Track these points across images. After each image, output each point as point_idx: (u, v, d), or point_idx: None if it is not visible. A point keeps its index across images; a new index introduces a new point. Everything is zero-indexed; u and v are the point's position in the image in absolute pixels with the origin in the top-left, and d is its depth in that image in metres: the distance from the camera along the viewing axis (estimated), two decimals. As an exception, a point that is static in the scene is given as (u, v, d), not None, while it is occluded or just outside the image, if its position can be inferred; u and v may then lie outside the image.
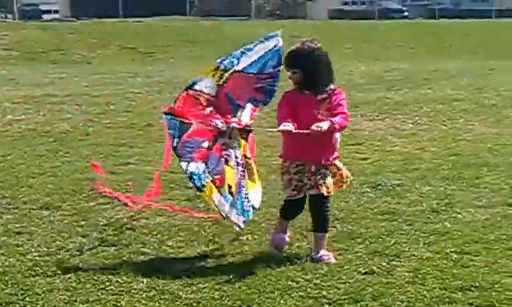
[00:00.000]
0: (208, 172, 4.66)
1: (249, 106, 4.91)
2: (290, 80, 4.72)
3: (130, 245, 4.91)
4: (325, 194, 4.62)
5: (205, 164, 4.67)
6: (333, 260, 4.57)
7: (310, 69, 4.60)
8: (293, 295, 4.10)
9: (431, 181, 6.49)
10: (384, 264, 4.51)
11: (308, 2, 47.32)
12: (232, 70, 4.84)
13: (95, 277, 4.33)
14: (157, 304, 4.02)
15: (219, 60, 4.89)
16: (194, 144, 4.69)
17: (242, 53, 4.92)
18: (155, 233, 5.15)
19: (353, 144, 8.08)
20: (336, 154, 4.74)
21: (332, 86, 4.68)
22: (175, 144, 4.68)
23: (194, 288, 4.19)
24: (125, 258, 4.68)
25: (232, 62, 4.87)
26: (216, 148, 4.75)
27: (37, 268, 4.48)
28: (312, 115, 4.56)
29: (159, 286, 4.21)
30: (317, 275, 4.33)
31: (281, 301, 4.03)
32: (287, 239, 4.84)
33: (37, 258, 4.66)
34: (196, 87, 4.79)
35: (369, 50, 22.05)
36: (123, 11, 36.40)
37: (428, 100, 11.02)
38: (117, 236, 5.08)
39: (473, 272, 4.36)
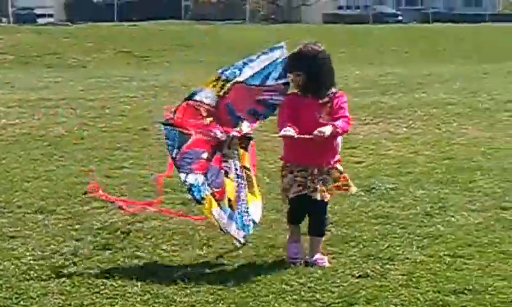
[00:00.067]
0: (208, 184, 4.59)
1: (249, 118, 4.84)
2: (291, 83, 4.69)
3: (125, 249, 4.92)
4: (324, 199, 4.62)
5: (205, 176, 4.59)
6: (327, 264, 4.59)
7: (314, 72, 4.58)
8: (287, 298, 4.11)
9: (424, 184, 6.51)
10: (378, 267, 4.52)
11: (302, 6, 47.41)
12: (233, 81, 4.78)
13: (90, 281, 4.34)
14: (151, 307, 4.03)
15: (220, 70, 4.84)
16: (194, 155, 4.62)
17: (245, 64, 4.86)
18: (149, 236, 5.16)
19: (348, 148, 8.08)
20: (337, 157, 4.73)
21: (333, 89, 4.66)
22: (174, 155, 4.61)
23: (189, 291, 4.20)
24: (119, 262, 4.68)
25: (234, 73, 4.81)
26: (215, 160, 4.68)
27: (31, 272, 4.48)
28: (314, 118, 4.54)
29: (154, 290, 4.21)
30: (311, 279, 4.34)
31: (276, 304, 4.04)
32: (299, 255, 4.66)
33: (31, 261, 4.67)
34: (196, 97, 4.74)
35: (364, 54, 22.11)
36: (118, 15, 36.44)
37: (422, 104, 11.05)
38: (111, 240, 5.09)
39: (466, 276, 4.38)
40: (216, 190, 4.60)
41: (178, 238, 5.11)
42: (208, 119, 4.71)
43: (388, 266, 4.55)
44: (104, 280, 4.35)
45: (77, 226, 5.40)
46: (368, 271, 4.46)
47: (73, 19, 36.46)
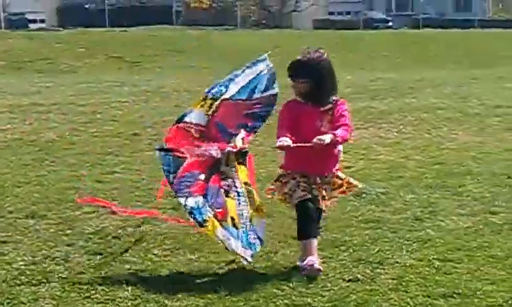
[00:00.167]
0: (209, 206, 4.53)
1: (242, 132, 4.84)
2: (291, 90, 4.64)
3: (116, 253, 4.92)
4: (324, 208, 4.61)
5: (204, 198, 4.54)
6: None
7: (319, 79, 4.53)
8: (278, 302, 4.13)
9: (414, 189, 6.55)
10: (368, 271, 4.55)
11: (293, 12, 47.52)
12: (221, 99, 4.79)
13: (80, 286, 4.35)
14: (142, 312, 4.04)
15: (206, 90, 4.85)
16: (191, 178, 4.58)
17: (230, 80, 4.87)
18: (140, 241, 5.16)
19: (338, 153, 8.13)
20: (338, 166, 4.70)
21: (334, 97, 4.61)
22: (171, 180, 4.59)
23: (180, 296, 4.21)
24: (110, 267, 4.68)
25: (221, 90, 4.81)
26: (213, 180, 4.63)
27: (22, 277, 4.48)
28: (315, 127, 4.50)
29: (144, 295, 4.22)
30: (301, 283, 4.36)
31: (266, 309, 4.06)
32: (318, 266, 4.44)
33: (22, 266, 4.67)
34: (186, 119, 4.75)
35: (355, 59, 22.19)
36: (110, 20, 36.40)
37: (412, 109, 11.11)
38: (103, 245, 5.09)
39: (455, 279, 4.41)
40: (217, 210, 4.54)
41: (169, 243, 5.11)
42: (201, 139, 4.69)
43: (378, 270, 4.58)
44: (95, 285, 4.35)
45: (68, 231, 5.40)
46: (359, 275, 4.48)
47: (64, 24, 36.39)
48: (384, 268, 4.61)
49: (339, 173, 4.72)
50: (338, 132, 4.50)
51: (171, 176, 4.59)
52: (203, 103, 4.79)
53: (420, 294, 4.21)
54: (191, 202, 4.50)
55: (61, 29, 32.18)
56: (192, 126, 4.72)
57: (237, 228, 4.56)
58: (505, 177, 6.92)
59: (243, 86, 4.86)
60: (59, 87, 13.78)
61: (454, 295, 4.18)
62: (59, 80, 15.10)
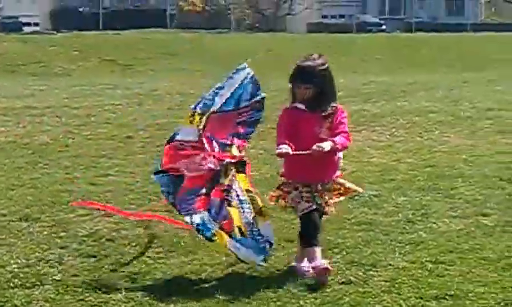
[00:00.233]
0: (214, 219, 4.54)
1: (235, 141, 4.85)
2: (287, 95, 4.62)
3: (110, 256, 4.93)
4: (329, 213, 4.62)
5: (208, 212, 4.55)
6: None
7: (322, 85, 4.52)
8: (271, 305, 4.14)
9: (407, 192, 6.58)
10: (361, 274, 4.57)
11: (287, 16, 47.62)
12: (208, 112, 4.80)
13: (74, 289, 4.35)
14: (136, 314, 4.06)
15: (192, 106, 4.86)
16: (193, 194, 4.58)
17: (215, 93, 4.89)
18: (134, 244, 5.17)
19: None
20: (338, 173, 4.69)
21: (334, 104, 4.59)
22: (171, 200, 4.61)
23: (174, 298, 4.22)
24: (104, 269, 4.70)
25: (207, 104, 4.83)
26: (215, 192, 4.63)
27: (16, 280, 4.49)
28: (314, 133, 4.48)
29: (138, 297, 4.23)
30: (294, 285, 4.37)
31: (259, 311, 4.08)
32: (326, 265, 4.42)
33: (16, 269, 4.67)
34: (178, 138, 4.75)
35: (348, 63, 22.21)
36: (103, 24, 36.38)
37: (404, 112, 11.14)
38: (96, 248, 5.10)
39: (447, 281, 4.44)
40: (223, 222, 4.55)
41: (162, 246, 5.13)
42: (196, 153, 4.69)
43: (371, 272, 4.60)
44: (89, 287, 4.37)
45: (62, 234, 5.41)
46: (352, 277, 4.50)
47: (58, 28, 36.33)
48: (377, 271, 4.63)
49: (340, 180, 4.71)
50: (338, 139, 4.48)
51: (171, 196, 4.61)
52: (191, 119, 4.80)
53: (412, 296, 4.24)
54: (196, 219, 4.52)
55: (55, 32, 32.12)
56: (184, 143, 4.73)
57: (245, 236, 4.56)
58: (497, 179, 6.96)
59: (228, 98, 4.87)
60: (53, 90, 13.77)
61: (446, 297, 4.21)
62: (52, 83, 15.08)
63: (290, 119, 4.56)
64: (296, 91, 4.58)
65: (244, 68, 5.01)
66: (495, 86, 14.34)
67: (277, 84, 9.76)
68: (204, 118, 4.78)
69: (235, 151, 4.82)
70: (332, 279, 4.47)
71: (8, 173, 7.38)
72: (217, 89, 4.92)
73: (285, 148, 4.42)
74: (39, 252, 5.00)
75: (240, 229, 4.56)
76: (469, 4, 55.47)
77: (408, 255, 4.92)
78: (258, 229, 4.61)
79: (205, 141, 4.74)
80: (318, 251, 4.52)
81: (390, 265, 4.73)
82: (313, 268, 4.43)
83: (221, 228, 4.52)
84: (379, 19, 49.59)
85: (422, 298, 4.21)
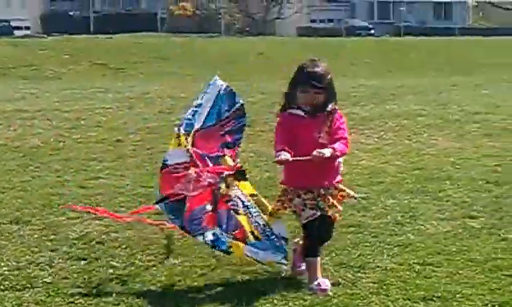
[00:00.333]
0: (226, 232, 4.54)
1: (226, 151, 4.86)
2: (288, 99, 4.52)
3: (100, 259, 4.95)
4: (333, 217, 4.58)
5: (219, 227, 4.55)
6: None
7: (329, 90, 4.51)
8: (259, 306, 4.18)
9: (395, 194, 6.63)
10: (350, 275, 4.61)
11: (277, 19, 47.73)
12: (193, 131, 4.81)
13: (65, 291, 4.37)
14: (126, 316, 4.08)
15: (176, 128, 4.88)
16: (199, 213, 4.57)
17: (195, 112, 4.90)
18: (124, 246, 5.19)
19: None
20: (339, 178, 4.66)
21: (330, 106, 4.52)
22: (179, 224, 4.62)
23: (164, 300, 4.25)
24: (94, 272, 4.71)
25: (188, 124, 4.84)
26: (220, 205, 4.62)
27: (6, 283, 4.50)
28: (313, 138, 4.43)
29: (128, 300, 4.25)
30: (283, 287, 4.41)
31: (249, 312, 4.11)
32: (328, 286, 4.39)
33: (6, 272, 4.68)
34: (169, 162, 4.75)
35: (337, 66, 22.23)
36: (94, 27, 36.33)
37: (393, 116, 11.20)
38: (87, 251, 5.11)
39: (435, 283, 4.48)
40: (236, 232, 4.54)
41: (153, 248, 5.15)
42: (192, 171, 4.68)
43: (359, 274, 4.64)
44: (79, 290, 4.38)
45: (52, 237, 5.42)
46: (340, 279, 4.54)
47: (49, 31, 36.26)
48: (365, 272, 4.67)
49: (340, 185, 4.69)
50: (337, 146, 4.45)
51: (178, 221, 4.62)
52: (178, 141, 4.80)
53: (400, 298, 4.27)
54: (209, 236, 4.52)
55: (45, 36, 32.06)
56: (177, 166, 4.72)
57: (260, 239, 4.55)
58: (484, 182, 7.02)
59: (208, 112, 4.90)
60: (44, 93, 13.75)
61: (434, 298, 4.24)
62: (43, 87, 15.06)
63: (288, 125, 4.51)
64: (301, 95, 4.48)
65: (215, 81, 5.04)
66: (482, 90, 14.46)
67: (266, 87, 9.80)
68: (189, 138, 4.78)
69: (229, 161, 4.83)
70: (321, 281, 4.51)
71: (-2, 176, 7.38)
72: (196, 107, 4.93)
73: (284, 155, 4.37)
74: (29, 255, 5.01)
75: (253, 233, 4.54)
76: (457, 9, 55.81)
77: (396, 257, 4.96)
78: (271, 229, 4.59)
79: (196, 158, 4.74)
80: (319, 262, 4.53)
81: (378, 266, 4.77)
82: (316, 284, 4.40)
83: (235, 238, 4.51)
84: (368, 23, 49.78)
85: (409, 299, 4.25)
